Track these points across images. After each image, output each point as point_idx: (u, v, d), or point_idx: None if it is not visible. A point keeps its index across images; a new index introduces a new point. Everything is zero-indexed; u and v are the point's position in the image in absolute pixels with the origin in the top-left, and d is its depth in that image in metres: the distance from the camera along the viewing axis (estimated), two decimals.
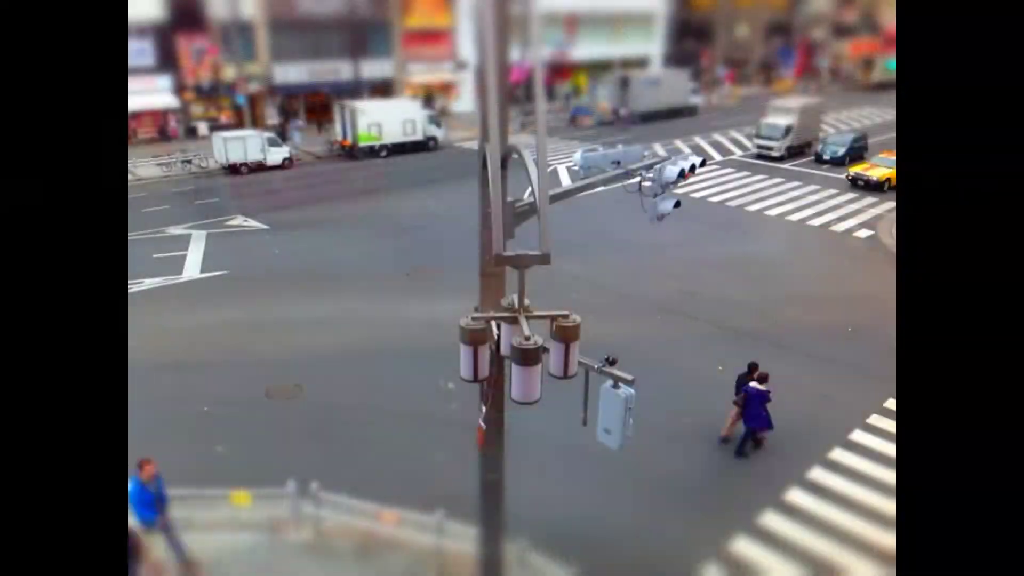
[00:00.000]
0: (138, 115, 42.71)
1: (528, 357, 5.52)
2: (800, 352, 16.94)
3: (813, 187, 32.60)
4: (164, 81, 43.76)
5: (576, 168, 9.93)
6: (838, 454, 13.11)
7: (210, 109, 46.54)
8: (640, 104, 50.55)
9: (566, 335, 5.65)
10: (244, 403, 14.83)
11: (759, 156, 37.25)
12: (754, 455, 13.13)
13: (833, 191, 31.84)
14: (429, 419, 14.11)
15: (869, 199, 30.47)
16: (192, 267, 22.77)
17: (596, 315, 16.52)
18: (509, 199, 6.38)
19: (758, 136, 37.76)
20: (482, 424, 7.37)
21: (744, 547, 10.98)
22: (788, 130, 35.80)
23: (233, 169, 36.02)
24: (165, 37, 43.05)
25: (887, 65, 70.69)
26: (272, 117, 47.24)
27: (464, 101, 54.87)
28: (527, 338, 5.50)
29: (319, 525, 11.13)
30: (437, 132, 41.91)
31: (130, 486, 9.37)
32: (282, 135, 40.90)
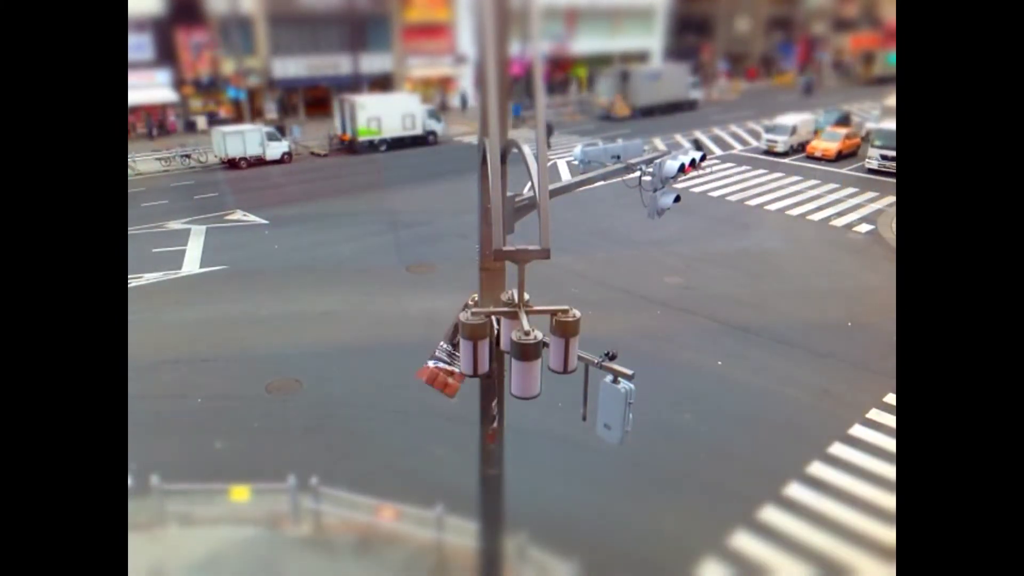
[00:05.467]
0: (137, 109, 42.65)
1: (528, 352, 5.50)
2: (800, 347, 16.95)
3: (814, 182, 32.57)
4: (163, 75, 43.67)
5: (576, 163, 9.92)
6: (838, 449, 13.12)
7: (209, 103, 46.46)
8: (640, 98, 50.48)
9: (566, 330, 5.63)
10: (244, 398, 14.84)
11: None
12: (755, 450, 13.13)
13: (834, 186, 31.81)
14: (428, 414, 14.10)
15: (869, 194, 30.44)
16: (191, 262, 22.75)
17: (596, 310, 16.54)
18: (509, 194, 6.36)
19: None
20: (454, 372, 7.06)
21: (744, 542, 11.00)
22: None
23: (232, 164, 35.98)
24: (164, 31, 42.94)
25: (887, 59, 70.54)
26: (271, 112, 47.16)
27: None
28: (527, 333, 5.49)
29: (319, 520, 11.14)
30: (436, 126, 41.84)
31: None
32: (280, 130, 40.85)
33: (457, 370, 6.97)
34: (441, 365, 7.10)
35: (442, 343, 7.07)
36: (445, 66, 54.06)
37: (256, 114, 46.18)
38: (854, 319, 18.46)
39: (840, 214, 27.85)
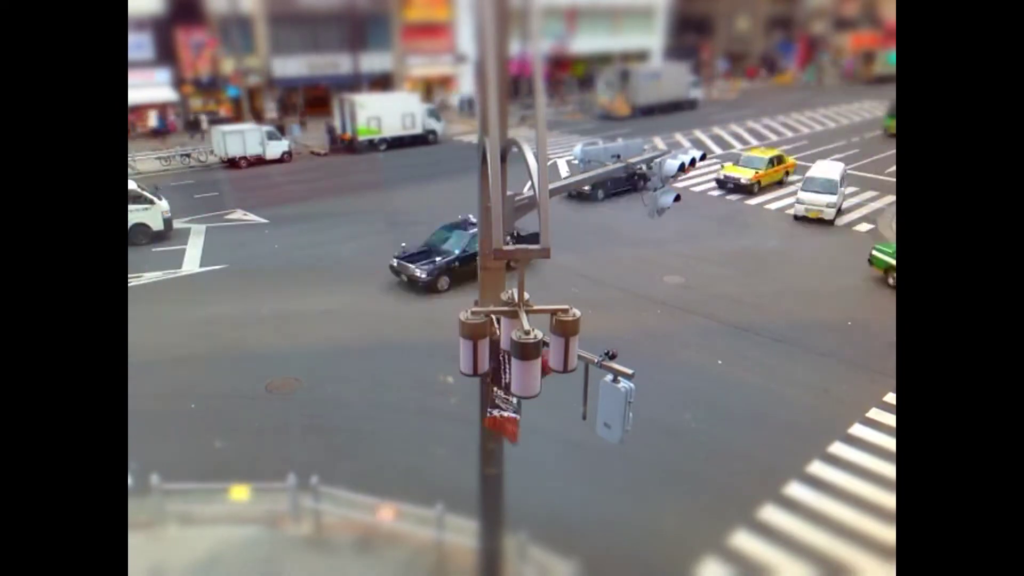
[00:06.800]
0: (137, 109, 42.64)
1: (528, 351, 5.51)
2: (800, 346, 16.94)
3: None
4: (163, 75, 43.66)
5: (576, 162, 9.92)
6: (838, 448, 13.12)
7: (209, 103, 46.45)
8: (640, 97, 50.47)
9: (566, 329, 5.64)
10: (244, 397, 14.84)
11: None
12: (755, 450, 13.13)
13: None
14: (429, 413, 14.12)
15: (870, 192, 30.43)
16: (192, 261, 22.76)
17: (596, 310, 16.55)
18: (509, 193, 6.36)
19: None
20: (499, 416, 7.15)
21: (744, 541, 11.00)
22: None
23: (232, 163, 35.98)
24: (164, 30, 42.93)
25: (888, 59, 70.53)
26: (271, 111, 47.14)
27: (464, 94, 54.83)
28: (527, 332, 5.49)
29: (319, 519, 11.14)
30: (436, 126, 41.86)
31: None
32: (280, 129, 40.84)
33: (511, 414, 6.96)
34: (499, 414, 7.03)
35: (496, 390, 6.95)
36: (445, 65, 54.06)
37: (260, 115, 46.11)
38: (854, 319, 18.46)
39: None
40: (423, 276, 19.73)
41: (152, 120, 43.55)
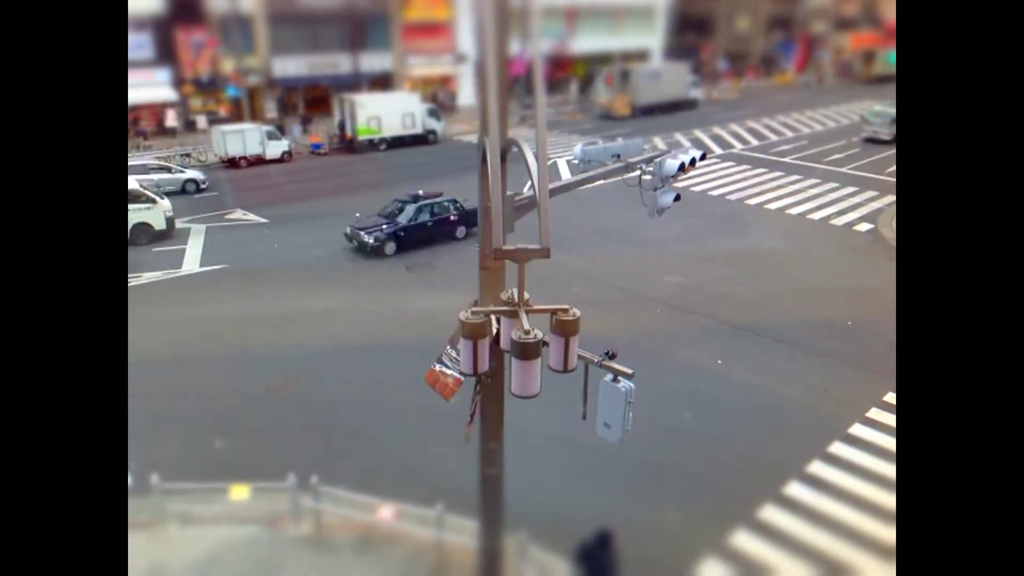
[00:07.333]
0: (136, 108, 42.64)
1: (528, 351, 5.51)
2: (800, 346, 16.94)
3: (814, 181, 32.56)
4: (163, 74, 43.66)
5: (576, 162, 9.92)
6: (838, 448, 13.12)
7: (209, 102, 46.44)
8: (640, 97, 50.45)
9: (566, 329, 5.64)
10: (244, 397, 14.84)
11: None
12: (755, 450, 13.13)
13: (833, 185, 31.81)
14: (429, 413, 14.09)
15: (869, 193, 30.43)
16: (192, 261, 22.76)
17: (596, 309, 16.55)
18: (509, 193, 6.36)
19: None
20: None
21: (744, 541, 11.00)
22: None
23: (232, 163, 35.97)
24: (164, 30, 42.92)
25: (888, 58, 70.52)
26: (271, 111, 47.12)
27: (464, 94, 54.80)
28: (527, 332, 5.49)
29: (319, 519, 11.14)
30: (436, 125, 41.86)
31: None
32: (280, 129, 40.83)
33: (456, 375, 7.18)
34: (443, 369, 7.23)
35: (448, 348, 7.14)
36: (445, 65, 54.05)
37: (256, 113, 46.03)
38: (854, 318, 18.45)
39: (840, 213, 27.85)
40: (371, 241, 22.80)
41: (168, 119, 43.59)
